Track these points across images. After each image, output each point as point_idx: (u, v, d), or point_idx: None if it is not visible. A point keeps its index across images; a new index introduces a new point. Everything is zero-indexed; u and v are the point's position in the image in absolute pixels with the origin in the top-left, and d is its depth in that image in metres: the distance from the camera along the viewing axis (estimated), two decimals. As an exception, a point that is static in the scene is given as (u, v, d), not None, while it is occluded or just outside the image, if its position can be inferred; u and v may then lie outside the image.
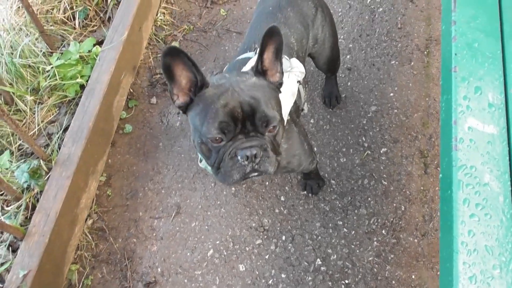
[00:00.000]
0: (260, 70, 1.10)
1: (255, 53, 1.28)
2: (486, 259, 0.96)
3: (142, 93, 2.16)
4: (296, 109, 1.39)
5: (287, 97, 1.24)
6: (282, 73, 1.14)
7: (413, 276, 1.66)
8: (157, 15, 2.32)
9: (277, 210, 1.83)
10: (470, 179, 1.03)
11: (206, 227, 1.82)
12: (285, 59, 1.23)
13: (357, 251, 1.72)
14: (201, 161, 1.29)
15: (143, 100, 2.14)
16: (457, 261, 0.96)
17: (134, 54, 2.16)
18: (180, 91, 1.07)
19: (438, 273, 1.66)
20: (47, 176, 1.72)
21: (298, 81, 1.30)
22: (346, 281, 1.68)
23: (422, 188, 1.80)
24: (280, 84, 1.14)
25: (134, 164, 1.99)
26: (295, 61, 1.30)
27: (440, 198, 1.09)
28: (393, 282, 1.66)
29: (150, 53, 2.25)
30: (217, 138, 1.02)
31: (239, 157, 1.02)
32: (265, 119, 1.03)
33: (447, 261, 0.99)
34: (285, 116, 1.21)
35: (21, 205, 1.67)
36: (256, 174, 1.08)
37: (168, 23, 2.33)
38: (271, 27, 1.01)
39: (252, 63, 1.17)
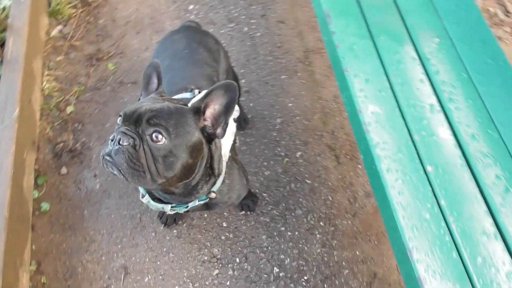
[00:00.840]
0: (195, 109, 1.08)
1: (193, 94, 1.33)
2: (418, 209, 1.17)
3: (49, 166, 2.06)
4: (232, 145, 1.39)
5: (228, 137, 1.28)
6: (224, 131, 1.09)
7: (357, 252, 1.86)
8: (42, 84, 2.23)
9: (223, 237, 1.89)
10: (385, 152, 1.25)
11: (160, 277, 1.80)
12: None
13: (305, 248, 1.87)
14: (143, 196, 1.30)
15: (52, 173, 2.04)
16: (398, 218, 1.16)
17: (30, 129, 2.05)
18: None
19: (376, 243, 1.89)
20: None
21: (234, 119, 1.36)
22: (305, 277, 1.81)
23: (340, 176, 2.04)
24: (216, 136, 1.11)
25: (62, 241, 1.87)
26: None
27: (368, 175, 1.29)
28: (343, 263, 1.84)
29: (45, 123, 2.15)
30: (119, 120, 1.05)
31: (110, 137, 1.01)
32: (153, 122, 1.00)
33: (390, 220, 1.18)
34: (227, 155, 1.27)
35: None
36: (109, 159, 0.99)
37: (56, 89, 2.26)
38: (229, 83, 1.02)
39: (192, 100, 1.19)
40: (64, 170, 2.04)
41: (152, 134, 1.00)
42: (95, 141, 2.13)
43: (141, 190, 1.30)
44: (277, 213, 1.95)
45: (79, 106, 2.24)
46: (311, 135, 2.14)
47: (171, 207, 1.29)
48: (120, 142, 0.98)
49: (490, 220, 1.20)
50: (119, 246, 1.86)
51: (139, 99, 1.19)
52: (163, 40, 1.71)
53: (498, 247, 1.15)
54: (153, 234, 1.89)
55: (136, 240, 1.87)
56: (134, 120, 1.01)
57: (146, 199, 1.29)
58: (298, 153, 2.09)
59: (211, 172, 1.22)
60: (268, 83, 2.29)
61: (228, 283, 1.79)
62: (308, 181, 2.02)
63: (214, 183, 1.26)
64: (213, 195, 1.28)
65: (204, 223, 1.92)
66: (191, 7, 2.63)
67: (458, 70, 1.45)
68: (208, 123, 1.10)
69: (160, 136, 1.00)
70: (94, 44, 2.50)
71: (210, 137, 1.12)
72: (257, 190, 1.99)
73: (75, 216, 1.93)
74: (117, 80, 2.35)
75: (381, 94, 1.35)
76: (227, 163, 1.30)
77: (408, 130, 1.31)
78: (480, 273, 1.11)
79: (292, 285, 1.80)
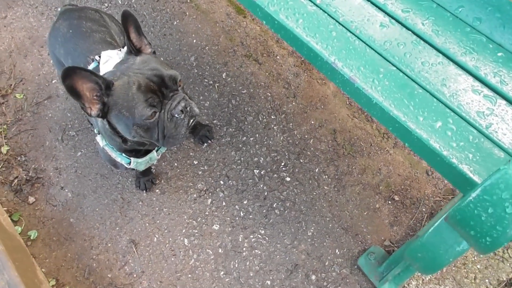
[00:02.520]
0: (135, 49, 1.26)
1: (96, 62, 1.41)
2: (324, 33, 1.37)
3: (16, 203, 2.07)
4: None
5: None
6: (149, 44, 1.32)
7: (312, 122, 2.07)
8: (-35, 141, 2.20)
9: (200, 172, 2.03)
10: (277, 5, 1.42)
11: (166, 231, 1.92)
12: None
13: (270, 142, 2.05)
14: (128, 163, 1.42)
15: (22, 207, 2.06)
16: (314, 46, 1.34)
17: (-23, 181, 2.04)
18: (90, 102, 1.14)
19: (322, 106, 2.11)
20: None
21: None
22: (282, 163, 2.00)
23: (267, 73, 2.22)
24: (154, 52, 1.33)
25: (66, 253, 1.93)
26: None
27: (278, 34, 1.45)
28: (306, 136, 2.05)
29: (-11, 171, 2.15)
30: (152, 113, 1.15)
31: (176, 116, 1.19)
32: (173, 78, 1.20)
33: (310, 52, 1.36)
34: None
35: None
36: (193, 120, 1.24)
37: (-19, 139, 2.24)
38: (124, 12, 1.19)
39: (115, 56, 1.31)
40: (31, 199, 2.07)
41: (179, 84, 1.23)
42: (44, 161, 2.15)
43: (124, 161, 1.42)
44: (233, 129, 2.11)
45: (11, 142, 2.24)
46: (226, 55, 2.29)
47: (156, 151, 1.44)
48: (185, 107, 1.20)
49: (382, 13, 1.42)
50: (117, 228, 1.95)
51: (86, 108, 1.20)
52: (50, 34, 1.76)
53: (397, 29, 1.38)
54: (140, 203, 1.99)
55: (129, 216, 1.97)
56: (161, 94, 1.18)
57: (134, 162, 1.43)
58: (224, 74, 2.24)
59: None
60: (166, 35, 2.39)
61: (223, 203, 1.95)
62: (244, 91, 2.19)
63: None
64: None
65: (178, 170, 2.05)
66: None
67: None
68: (142, 50, 1.31)
69: (181, 79, 1.26)
70: (-8, 85, 2.46)
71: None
72: (207, 122, 2.13)
73: (65, 228, 1.98)
74: (32, 103, 2.35)
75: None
76: None
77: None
78: (393, 53, 1.33)
79: (275, 175, 1.99)
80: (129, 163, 1.44)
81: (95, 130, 1.43)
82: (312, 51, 1.36)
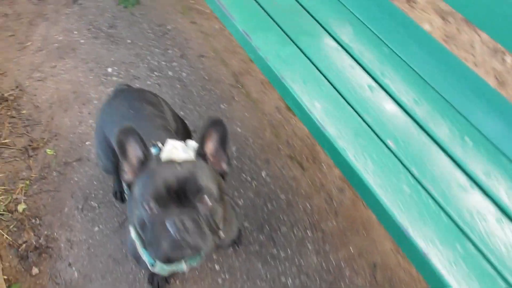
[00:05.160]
0: (200, 153, 1.14)
1: (157, 148, 1.29)
2: (396, 185, 1.21)
3: (18, 272, 1.90)
4: None
5: None
6: (228, 163, 1.19)
7: (351, 249, 1.88)
8: (-18, 192, 2.09)
9: (220, 280, 1.84)
10: (347, 141, 1.28)
11: None
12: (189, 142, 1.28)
13: (302, 262, 1.86)
14: (152, 265, 1.26)
15: (24, 278, 1.89)
16: (383, 200, 1.18)
17: (-16, 243, 1.89)
18: (130, 168, 1.12)
19: (365, 233, 1.92)
20: None
21: None
22: (312, 291, 1.79)
23: (309, 181, 2.06)
24: (225, 173, 1.19)
25: None
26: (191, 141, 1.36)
27: (340, 169, 1.31)
28: (342, 264, 1.85)
29: (0, 230, 2.00)
30: (150, 205, 1.02)
31: (168, 225, 1.00)
32: (196, 188, 1.04)
33: (376, 205, 1.20)
34: None
35: None
36: (185, 245, 1.00)
37: (0, 193, 2.12)
38: (215, 119, 1.10)
39: (180, 148, 1.18)
40: (35, 270, 1.90)
41: (201, 201, 1.04)
42: (58, 229, 2.01)
43: (148, 261, 1.27)
44: (264, 238, 1.93)
45: (30, 201, 2.11)
46: (269, 151, 2.16)
47: (185, 262, 1.26)
48: (186, 226, 1.00)
49: (460, 171, 1.26)
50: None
51: (123, 170, 1.16)
52: (103, 110, 1.68)
53: (477, 196, 1.21)
54: (149, 298, 1.80)
55: (135, 309, 1.77)
56: (176, 197, 1.03)
57: (159, 267, 1.27)
58: (263, 173, 2.10)
59: None
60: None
61: (240, 323, 1.74)
62: (282, 196, 2.03)
63: None
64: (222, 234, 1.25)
65: (197, 273, 1.86)
66: (109, 70, 2.59)
67: (379, 46, 1.55)
68: (212, 162, 1.17)
69: (206, 199, 1.05)
70: (25, 135, 2.38)
71: (221, 175, 1.20)
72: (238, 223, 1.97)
73: (62, 314, 1.80)
74: (61, 162, 2.25)
75: (322, 89, 1.40)
76: (226, 208, 1.29)
77: (358, 114, 1.37)
78: (472, 227, 1.15)
79: (302, 301, 1.77)
80: (153, 265, 1.27)
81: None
82: (379, 205, 1.20)
